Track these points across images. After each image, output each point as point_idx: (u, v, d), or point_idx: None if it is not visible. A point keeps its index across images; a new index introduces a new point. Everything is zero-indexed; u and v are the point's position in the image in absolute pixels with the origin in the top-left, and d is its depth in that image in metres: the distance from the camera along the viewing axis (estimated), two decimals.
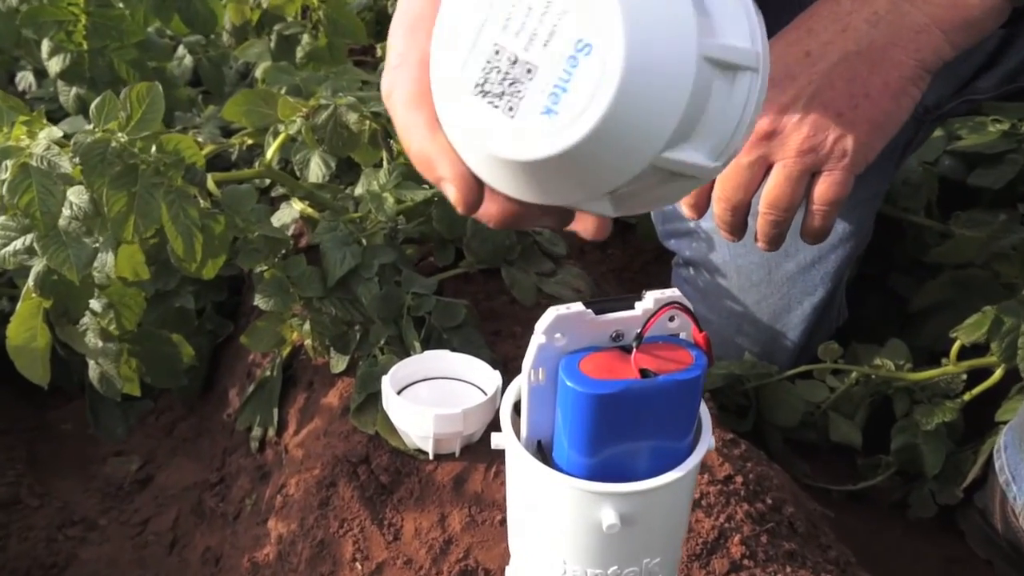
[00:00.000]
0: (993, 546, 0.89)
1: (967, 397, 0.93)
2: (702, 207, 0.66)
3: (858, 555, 0.80)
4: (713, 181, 0.64)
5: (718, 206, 0.63)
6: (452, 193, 0.39)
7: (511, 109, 0.34)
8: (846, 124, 0.57)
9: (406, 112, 0.40)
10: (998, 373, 0.91)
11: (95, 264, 0.79)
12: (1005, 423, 0.88)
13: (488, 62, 0.35)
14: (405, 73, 0.39)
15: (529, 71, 0.34)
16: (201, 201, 0.81)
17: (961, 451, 0.93)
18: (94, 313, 0.86)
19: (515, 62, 0.34)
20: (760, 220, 0.62)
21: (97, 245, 0.77)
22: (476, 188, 0.39)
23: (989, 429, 0.92)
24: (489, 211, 0.41)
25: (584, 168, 0.35)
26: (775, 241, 0.62)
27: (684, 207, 0.65)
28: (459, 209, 0.40)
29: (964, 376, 0.94)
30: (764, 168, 0.60)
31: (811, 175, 0.59)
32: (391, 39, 0.41)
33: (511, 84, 0.34)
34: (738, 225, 0.64)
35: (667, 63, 0.33)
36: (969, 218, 1.07)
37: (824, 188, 0.59)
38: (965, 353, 0.92)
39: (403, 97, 0.40)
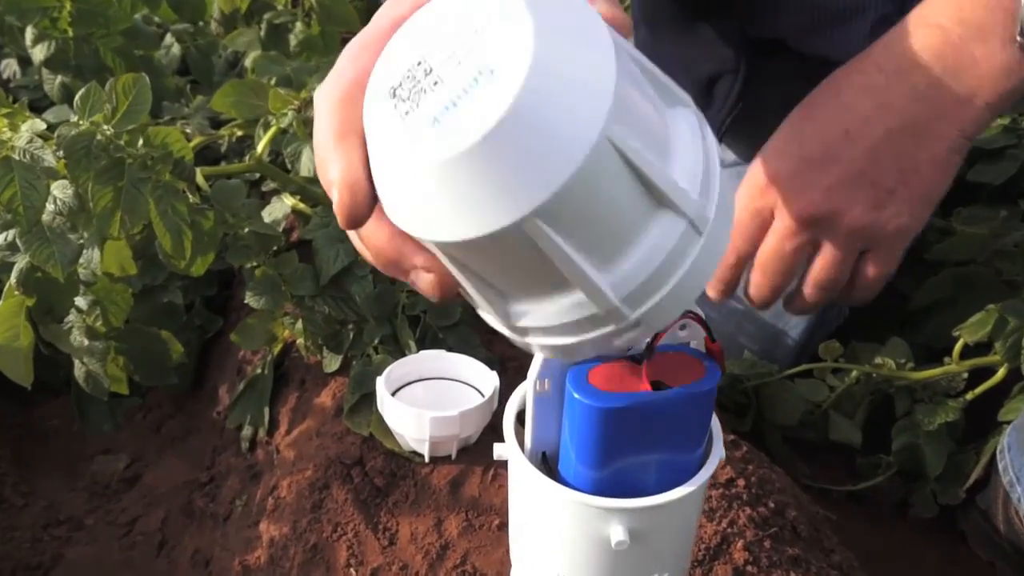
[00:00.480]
0: (995, 547, 0.88)
1: (969, 396, 0.92)
2: (730, 289, 0.62)
3: (858, 556, 0.79)
4: (739, 260, 0.60)
5: (758, 290, 0.60)
6: (335, 198, 0.38)
7: (407, 113, 0.34)
8: (899, 201, 0.54)
9: (321, 118, 0.39)
10: (1001, 372, 0.90)
11: (80, 260, 0.77)
12: (1008, 423, 0.87)
13: (408, 71, 0.35)
14: (333, 84, 0.39)
15: (436, 83, 0.33)
16: (190, 196, 0.79)
17: (963, 451, 0.92)
18: (79, 311, 0.83)
19: (428, 73, 0.34)
20: (807, 297, 0.59)
21: (82, 241, 0.75)
22: (363, 202, 0.37)
23: (991, 429, 0.91)
24: (371, 238, 0.38)
25: (447, 196, 0.33)
26: (803, 313, 0.60)
27: (707, 288, 0.61)
28: (340, 220, 0.38)
29: (966, 375, 0.93)
30: (810, 250, 0.57)
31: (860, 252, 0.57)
32: (337, 61, 0.40)
33: (417, 92, 0.34)
34: (774, 301, 0.61)
35: (563, 121, 0.31)
36: (970, 214, 1.05)
37: (876, 266, 0.57)
38: (967, 352, 0.91)
39: (324, 105, 0.39)
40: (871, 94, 0.54)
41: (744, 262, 0.60)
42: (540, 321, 0.37)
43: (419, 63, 0.34)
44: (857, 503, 0.96)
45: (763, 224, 0.58)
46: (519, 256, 0.34)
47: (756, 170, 0.59)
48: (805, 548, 0.72)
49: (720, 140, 0.87)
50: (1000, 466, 0.81)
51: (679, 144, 0.35)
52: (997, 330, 0.86)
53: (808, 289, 0.59)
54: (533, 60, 0.31)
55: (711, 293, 0.63)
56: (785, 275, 0.59)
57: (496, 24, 0.32)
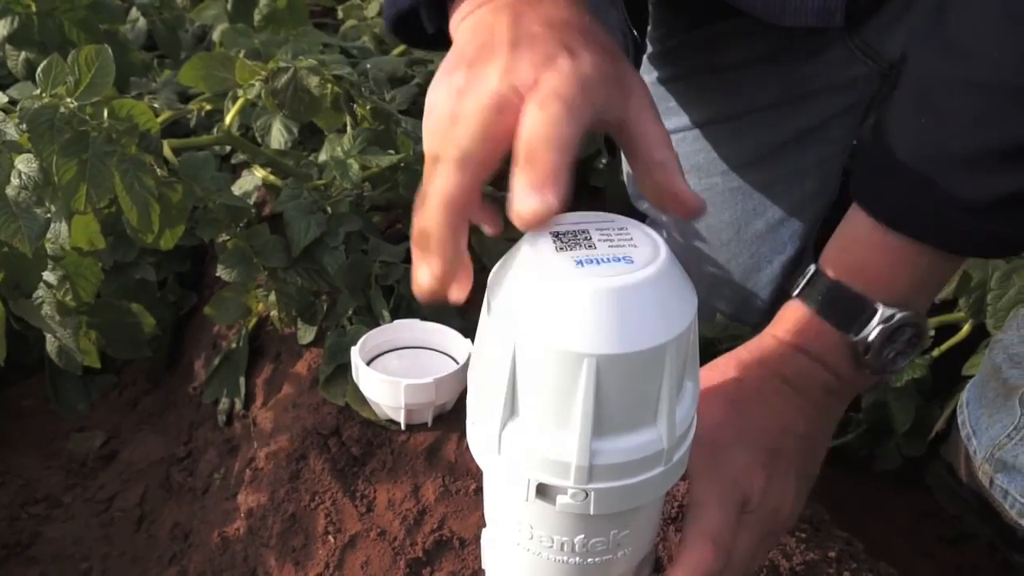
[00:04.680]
0: (960, 500, 0.90)
1: (936, 353, 0.94)
2: None
3: (828, 510, 0.80)
4: None
5: None
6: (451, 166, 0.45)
7: (560, 249, 0.42)
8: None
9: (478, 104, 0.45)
10: (965, 328, 0.92)
11: (48, 235, 0.76)
12: (972, 377, 0.88)
13: (573, 230, 0.43)
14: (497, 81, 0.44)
15: (590, 246, 0.42)
16: (157, 169, 0.78)
17: (929, 406, 0.94)
18: (49, 285, 0.83)
19: (588, 238, 0.42)
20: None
21: (49, 215, 0.74)
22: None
23: (957, 384, 0.93)
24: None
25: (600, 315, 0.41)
26: None
27: None
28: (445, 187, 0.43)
29: (932, 332, 0.95)
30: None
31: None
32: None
33: (574, 244, 0.42)
34: None
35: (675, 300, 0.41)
36: None
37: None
38: (933, 309, 0.92)
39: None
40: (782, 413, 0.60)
41: None
42: (519, 446, 0.43)
43: (583, 231, 0.43)
44: (828, 460, 0.98)
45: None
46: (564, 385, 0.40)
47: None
48: None
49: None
50: (959, 420, 0.83)
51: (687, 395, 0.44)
52: (961, 287, 0.88)
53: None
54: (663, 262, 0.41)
55: None
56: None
57: (638, 232, 0.43)
